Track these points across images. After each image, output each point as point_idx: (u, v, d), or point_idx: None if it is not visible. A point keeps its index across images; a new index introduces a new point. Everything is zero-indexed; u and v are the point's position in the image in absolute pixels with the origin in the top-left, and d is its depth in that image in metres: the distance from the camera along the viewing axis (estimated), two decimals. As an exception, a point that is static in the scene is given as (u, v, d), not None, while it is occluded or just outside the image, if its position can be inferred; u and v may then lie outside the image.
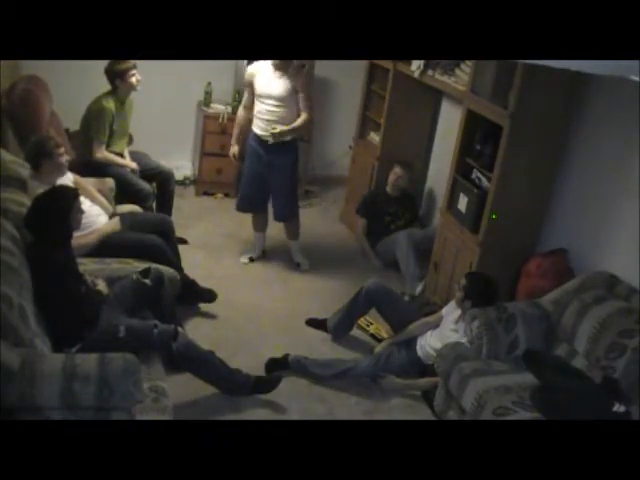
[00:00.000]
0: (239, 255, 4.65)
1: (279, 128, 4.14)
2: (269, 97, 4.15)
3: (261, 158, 4.30)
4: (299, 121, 4.22)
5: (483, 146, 3.79)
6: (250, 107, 4.31)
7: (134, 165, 4.46)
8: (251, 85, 4.23)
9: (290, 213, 4.54)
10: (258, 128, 4.26)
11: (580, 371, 2.92)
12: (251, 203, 4.51)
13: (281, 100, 4.14)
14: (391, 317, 3.73)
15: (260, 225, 4.62)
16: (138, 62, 4.29)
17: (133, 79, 4.30)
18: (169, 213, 4.67)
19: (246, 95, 4.35)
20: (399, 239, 4.60)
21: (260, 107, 4.21)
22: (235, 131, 4.44)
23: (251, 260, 4.61)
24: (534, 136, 3.53)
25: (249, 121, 4.34)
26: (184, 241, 4.64)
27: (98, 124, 4.22)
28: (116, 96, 4.32)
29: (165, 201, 4.69)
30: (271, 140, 4.18)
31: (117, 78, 4.26)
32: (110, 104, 4.25)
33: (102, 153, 4.27)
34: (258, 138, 4.28)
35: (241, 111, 4.41)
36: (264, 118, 4.20)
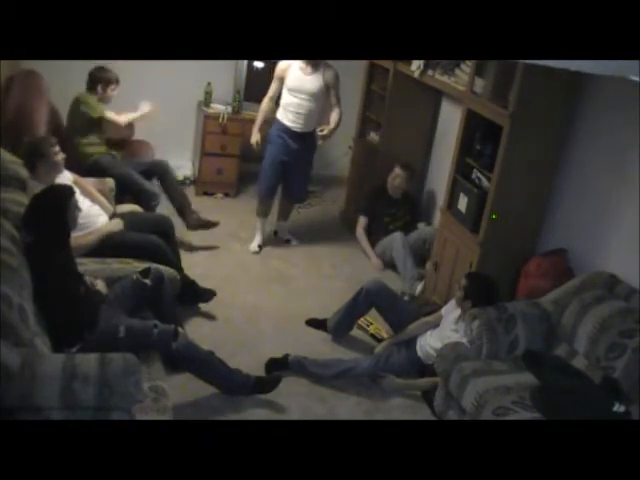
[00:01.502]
0: (239, 255, 4.65)
1: (326, 130, 4.43)
2: (301, 92, 4.42)
3: (286, 147, 4.55)
4: (336, 118, 4.49)
5: (483, 146, 3.79)
6: (275, 98, 4.57)
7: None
8: (281, 79, 4.48)
9: (305, 195, 5.07)
10: (287, 119, 4.51)
11: (580, 371, 2.92)
12: (271, 189, 4.74)
13: (313, 96, 4.42)
14: (391, 317, 3.73)
15: (266, 211, 4.80)
16: (139, 62, 4.27)
17: (114, 93, 4.39)
18: (182, 197, 4.71)
19: (274, 87, 4.57)
20: (395, 240, 4.62)
21: (291, 100, 4.46)
22: (259, 119, 4.63)
23: (260, 248, 4.74)
24: (534, 136, 3.53)
25: (272, 111, 4.61)
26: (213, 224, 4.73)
27: (92, 104, 4.28)
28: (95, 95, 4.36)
29: (172, 190, 4.69)
30: (320, 142, 4.55)
31: (99, 84, 4.32)
32: (92, 98, 4.31)
33: (124, 117, 4.45)
34: (286, 128, 4.52)
35: (267, 101, 4.62)
36: (294, 111, 4.46)
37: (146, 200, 4.31)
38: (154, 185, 4.54)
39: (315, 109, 4.49)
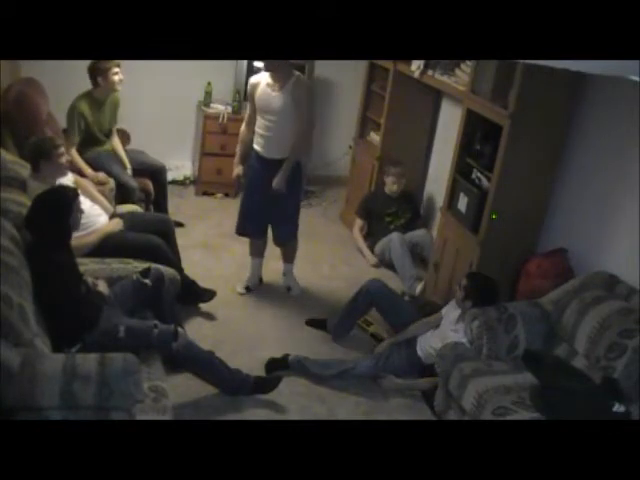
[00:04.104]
0: (239, 255, 4.64)
1: (275, 180, 3.82)
2: (267, 111, 3.82)
3: (262, 178, 3.93)
4: (295, 141, 3.84)
5: (483, 146, 3.79)
6: (251, 123, 3.98)
7: (101, 176, 4.27)
8: (252, 98, 3.91)
9: (291, 236, 4.24)
10: (258, 145, 3.93)
11: (580, 371, 2.92)
12: (252, 227, 4.17)
13: (279, 115, 3.79)
14: (391, 317, 3.74)
15: (259, 250, 4.28)
16: (139, 62, 4.29)
17: (115, 77, 4.31)
18: (165, 207, 4.75)
19: (248, 110, 4.02)
20: (393, 240, 4.64)
21: (260, 122, 3.89)
22: (238, 150, 4.08)
23: (248, 290, 4.26)
24: (534, 136, 3.53)
25: (251, 139, 4.01)
26: (180, 224, 4.75)
27: (69, 125, 4.29)
28: (92, 96, 4.35)
29: (161, 196, 4.73)
30: (275, 187, 3.85)
31: (99, 76, 4.29)
32: (83, 106, 4.29)
33: (70, 154, 4.11)
34: (258, 156, 3.94)
35: (243, 128, 4.06)
36: (262, 134, 3.88)
37: (125, 195, 4.33)
38: (133, 179, 4.54)
39: (286, 132, 3.82)
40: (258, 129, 3.91)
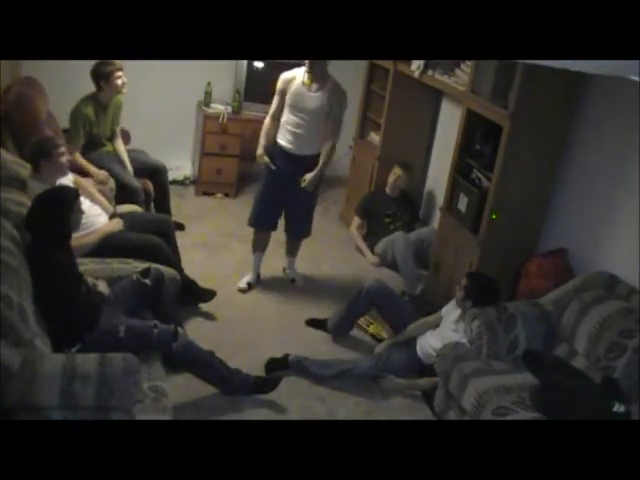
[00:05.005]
0: (239, 255, 4.65)
1: (307, 179, 3.94)
2: (301, 110, 3.87)
3: (284, 172, 4.00)
4: (324, 154, 3.97)
5: (483, 146, 3.79)
6: (278, 117, 3.99)
7: (102, 175, 4.27)
8: (283, 93, 3.92)
9: (307, 231, 4.37)
10: (284, 140, 3.97)
11: (580, 371, 2.92)
12: (266, 220, 4.22)
13: (313, 115, 3.87)
14: (391, 317, 3.74)
15: (262, 244, 4.32)
16: (139, 62, 4.28)
17: (119, 81, 4.32)
18: (168, 206, 4.76)
19: (275, 103, 3.99)
20: (397, 240, 4.63)
21: (289, 118, 3.92)
22: (262, 140, 4.03)
23: (249, 286, 4.28)
24: (534, 136, 3.53)
25: (276, 131, 4.03)
26: (180, 227, 4.74)
27: (73, 128, 4.28)
28: (97, 100, 4.35)
29: (162, 196, 4.73)
30: (305, 186, 3.97)
31: (102, 80, 4.29)
32: (88, 109, 4.29)
33: (74, 156, 4.12)
34: (283, 151, 3.98)
35: (268, 120, 4.04)
36: (292, 130, 3.92)
37: (129, 195, 4.32)
38: (143, 181, 4.55)
39: (316, 131, 3.93)
40: (286, 125, 3.94)
